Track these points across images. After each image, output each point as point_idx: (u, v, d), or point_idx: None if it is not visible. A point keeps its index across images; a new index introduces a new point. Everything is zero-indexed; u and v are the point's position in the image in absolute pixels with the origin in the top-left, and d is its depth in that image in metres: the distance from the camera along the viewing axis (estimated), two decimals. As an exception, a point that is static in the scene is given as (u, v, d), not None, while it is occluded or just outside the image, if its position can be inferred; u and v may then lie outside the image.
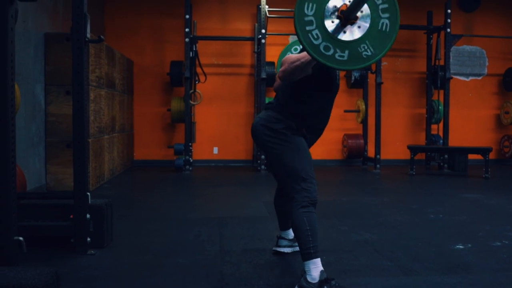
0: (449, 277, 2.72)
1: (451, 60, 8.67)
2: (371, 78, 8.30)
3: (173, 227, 3.94)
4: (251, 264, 2.93)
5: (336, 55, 2.12)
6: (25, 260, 2.96)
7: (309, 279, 2.38)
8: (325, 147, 8.73)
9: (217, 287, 2.55)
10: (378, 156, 7.78)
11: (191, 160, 7.76)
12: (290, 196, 2.55)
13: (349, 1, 2.13)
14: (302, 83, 2.53)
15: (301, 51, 2.50)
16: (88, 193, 3.12)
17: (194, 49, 7.77)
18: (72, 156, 3.10)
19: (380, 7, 2.17)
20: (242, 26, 8.58)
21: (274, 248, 3.15)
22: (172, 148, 7.98)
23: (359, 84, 8.36)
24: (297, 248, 3.11)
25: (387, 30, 2.16)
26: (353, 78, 8.25)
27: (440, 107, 8.19)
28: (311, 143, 2.71)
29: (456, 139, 8.61)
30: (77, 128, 3.08)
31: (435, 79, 8.20)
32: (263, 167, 7.58)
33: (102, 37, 3.12)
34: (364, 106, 8.34)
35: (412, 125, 8.96)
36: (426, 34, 8.36)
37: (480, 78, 9.09)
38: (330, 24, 2.13)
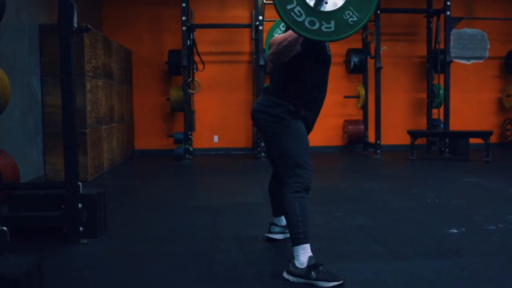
0: (440, 261, 2.70)
1: (452, 43, 8.57)
2: (371, 63, 8.23)
3: (169, 216, 3.94)
4: (242, 251, 2.93)
5: (323, 28, 2.10)
6: (17, 250, 2.99)
7: (297, 264, 2.37)
8: (326, 133, 8.70)
9: (205, 274, 2.55)
10: (378, 142, 7.74)
11: (191, 149, 7.76)
12: (282, 181, 2.53)
13: None
14: (294, 61, 2.49)
15: (286, 30, 2.46)
16: (80, 183, 3.12)
17: (191, 37, 7.73)
18: (63, 146, 3.10)
19: None
20: (240, 13, 8.52)
21: (266, 235, 3.14)
22: (172, 137, 7.98)
23: (359, 70, 8.29)
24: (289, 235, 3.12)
25: None
26: (352, 63, 8.18)
27: (440, 91, 8.12)
28: (312, 120, 2.66)
29: (457, 123, 8.54)
30: (66, 119, 3.08)
31: (436, 63, 8.12)
32: (262, 154, 7.56)
33: (89, 26, 3.10)
34: (364, 92, 8.28)
35: (413, 109, 8.90)
36: (426, 17, 8.27)
37: (481, 61, 9.00)
38: None
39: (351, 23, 2.11)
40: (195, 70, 8.08)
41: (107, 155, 6.56)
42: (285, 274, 2.42)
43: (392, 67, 8.72)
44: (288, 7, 2.08)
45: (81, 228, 3.12)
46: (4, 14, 3.26)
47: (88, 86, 5.66)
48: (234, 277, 2.51)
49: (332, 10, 2.10)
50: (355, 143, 8.52)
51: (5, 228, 1.99)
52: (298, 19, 2.08)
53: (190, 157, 7.60)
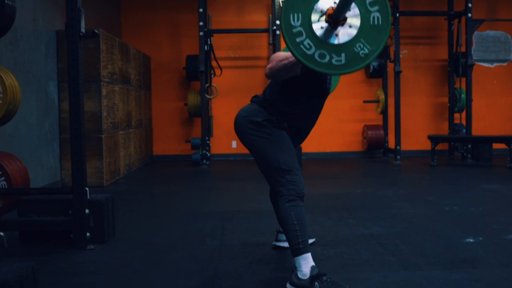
0: (452, 272, 2.60)
1: (474, 46, 8.38)
2: (390, 67, 8.10)
3: (179, 221, 3.91)
4: (248, 258, 2.87)
5: (333, 61, 2.02)
6: (23, 254, 3.00)
7: (300, 275, 2.30)
8: (345, 139, 8.59)
9: (208, 282, 2.51)
10: (398, 147, 7.59)
11: (209, 155, 7.74)
12: (275, 191, 2.46)
13: (335, 3, 2.03)
14: (291, 84, 2.44)
15: None
16: (87, 188, 3.12)
17: (209, 42, 7.73)
18: (70, 152, 3.10)
19: (368, 1, 2.06)
20: (258, 18, 8.50)
21: (273, 243, 3.08)
22: (190, 142, 7.98)
23: (378, 74, 8.17)
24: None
25: (380, 23, 2.04)
26: (371, 67, 8.06)
27: (462, 95, 7.93)
28: (294, 145, 2.60)
29: (481, 128, 8.33)
30: (74, 124, 3.07)
31: (457, 67, 7.94)
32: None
33: (96, 31, 3.09)
34: (383, 96, 8.15)
35: (435, 114, 8.71)
36: (447, 20, 8.10)
37: (505, 64, 8.76)
38: (320, 30, 2.03)
39: (363, 55, 2.03)
40: (212, 75, 8.08)
41: (124, 160, 6.59)
42: (288, 286, 2.34)
43: (413, 71, 8.56)
44: (298, 40, 2.01)
45: (88, 234, 3.11)
46: (15, 21, 3.30)
47: (104, 92, 5.69)
48: (237, 285, 2.46)
49: (343, 43, 2.03)
50: (375, 148, 8.39)
51: (1, 234, 1.97)
52: (308, 52, 2.01)
53: (208, 162, 7.57)
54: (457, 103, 8.07)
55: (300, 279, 2.29)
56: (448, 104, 8.32)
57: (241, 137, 2.57)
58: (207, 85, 7.82)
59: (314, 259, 2.66)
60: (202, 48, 7.38)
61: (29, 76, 4.82)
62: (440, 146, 7.82)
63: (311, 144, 8.45)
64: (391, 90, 8.09)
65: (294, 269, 2.34)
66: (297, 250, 2.31)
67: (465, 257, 2.84)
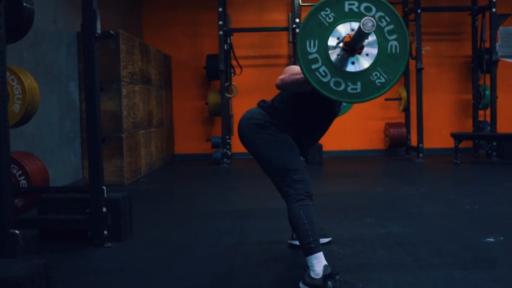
0: (470, 272, 2.54)
1: (498, 41, 8.19)
2: (413, 64, 7.96)
3: (197, 220, 3.93)
4: (263, 257, 2.87)
5: (349, 89, 2.01)
6: (42, 252, 3.06)
7: (312, 274, 2.28)
8: (367, 137, 8.51)
9: (223, 280, 2.51)
10: (420, 145, 7.47)
11: (229, 153, 7.75)
12: (283, 191, 2.44)
13: (352, 30, 2.01)
14: (301, 99, 2.42)
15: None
16: (104, 187, 3.15)
17: (228, 41, 7.74)
18: (87, 151, 3.14)
19: (386, 29, 2.02)
20: (277, 17, 8.47)
21: (289, 241, 3.07)
22: (210, 141, 8.01)
23: (400, 71, 8.05)
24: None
25: (398, 52, 2.01)
26: (393, 65, 7.95)
27: (487, 92, 7.77)
28: (298, 140, 2.55)
29: (506, 125, 8.13)
30: (90, 124, 3.12)
31: (481, 63, 7.77)
32: (302, 158, 7.47)
33: (112, 32, 3.13)
34: (405, 94, 8.04)
35: (459, 111, 8.56)
36: (471, 15, 7.93)
37: (532, 59, 8.55)
38: (336, 58, 2.01)
39: (379, 84, 2.01)
40: (232, 74, 8.09)
41: (145, 159, 6.65)
42: (301, 285, 2.33)
43: (436, 67, 8.42)
44: (313, 66, 2.00)
45: (105, 232, 3.15)
46: (36, 23, 3.36)
47: (124, 92, 5.75)
48: (251, 284, 2.45)
49: (359, 71, 2.00)
50: (397, 146, 8.28)
51: (17, 231, 2.01)
52: (323, 80, 2.00)
53: (228, 161, 7.59)
54: (482, 100, 7.91)
55: (313, 279, 2.27)
56: (472, 101, 8.15)
57: (244, 140, 2.55)
58: (227, 84, 7.84)
59: (330, 258, 2.66)
60: (222, 47, 7.40)
61: (50, 77, 4.90)
62: (465, 144, 7.66)
63: (332, 142, 8.39)
64: (413, 88, 7.97)
65: (306, 268, 2.33)
66: (309, 249, 2.29)
67: (485, 257, 2.78)
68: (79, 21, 5.65)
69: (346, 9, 2.03)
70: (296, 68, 2.28)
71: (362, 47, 2.02)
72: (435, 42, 8.42)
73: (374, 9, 2.02)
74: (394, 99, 8.22)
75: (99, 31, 3.08)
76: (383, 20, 2.01)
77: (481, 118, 8.11)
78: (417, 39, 7.41)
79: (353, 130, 8.46)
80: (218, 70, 7.61)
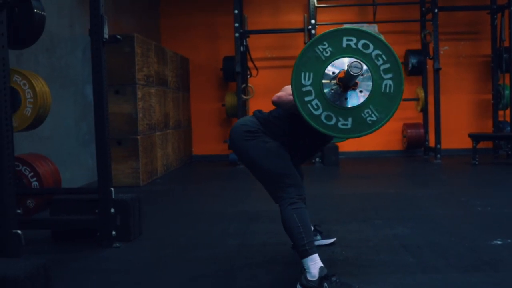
0: (472, 275, 2.52)
1: (519, 40, 8.03)
2: (430, 64, 7.88)
3: (206, 221, 3.97)
4: (266, 258, 2.89)
5: (339, 124, 2.03)
6: (51, 251, 3.14)
7: (309, 277, 2.29)
8: (384, 138, 8.44)
9: (222, 281, 2.54)
10: (438, 146, 7.39)
11: (245, 154, 7.77)
12: (276, 197, 2.46)
13: (348, 65, 2.00)
14: (297, 121, 2.39)
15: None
16: (112, 189, 3.22)
17: (244, 43, 7.79)
18: (96, 153, 3.22)
19: (382, 67, 2.03)
20: (294, 18, 8.48)
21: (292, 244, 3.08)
22: (227, 143, 8.06)
23: (418, 71, 7.99)
24: (317, 242, 3.03)
25: (392, 91, 2.03)
26: (410, 65, 7.89)
27: (506, 92, 7.63)
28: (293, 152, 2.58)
29: (527, 126, 7.98)
30: (98, 126, 3.19)
31: (501, 62, 7.64)
32: (317, 159, 7.49)
33: (119, 36, 3.20)
34: (423, 94, 7.95)
35: (478, 112, 8.43)
36: (490, 14, 7.80)
37: (555, 58, 8.34)
38: (330, 92, 2.03)
39: (370, 122, 2.03)
40: (249, 76, 8.13)
41: (161, 160, 6.74)
42: (298, 287, 2.35)
43: (454, 67, 8.31)
44: (306, 99, 2.03)
45: (113, 232, 3.21)
46: (51, 28, 3.46)
47: (139, 94, 5.85)
48: (250, 284, 2.48)
49: (351, 107, 2.02)
50: (415, 147, 8.20)
51: (19, 232, 2.09)
52: (315, 113, 2.03)
53: (244, 162, 7.61)
54: (501, 100, 7.77)
55: (309, 281, 2.28)
56: (492, 101, 8.02)
57: (235, 147, 2.55)
58: (244, 85, 7.88)
59: (331, 260, 2.67)
60: (238, 49, 7.45)
61: (66, 80, 5.02)
62: (485, 145, 7.55)
63: (349, 143, 8.32)
64: (431, 88, 7.88)
65: (303, 270, 2.34)
66: (304, 252, 2.31)
67: (488, 259, 2.75)
68: (95, 25, 5.78)
69: (344, 45, 2.05)
70: (288, 90, 2.30)
71: (356, 84, 2.03)
72: (453, 41, 8.31)
73: (372, 46, 2.03)
74: (412, 100, 8.14)
75: (106, 36, 3.15)
76: (379, 58, 2.03)
77: (501, 118, 7.97)
78: (435, 39, 7.33)
79: (370, 131, 8.40)
80: (234, 72, 7.66)
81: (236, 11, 7.36)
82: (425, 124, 8.10)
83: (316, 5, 7.53)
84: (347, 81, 2.01)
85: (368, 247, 3.05)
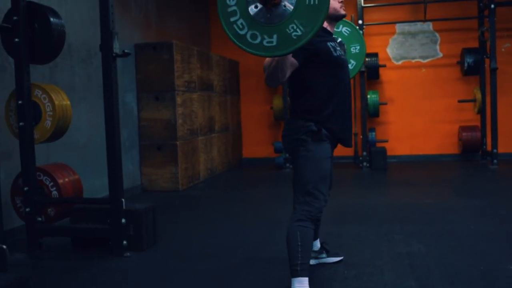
0: (473, 304, 2.34)
1: None
2: (489, 63, 7.40)
3: (227, 230, 3.98)
4: (271, 274, 2.85)
5: (264, 42, 1.99)
6: (65, 258, 3.28)
7: (292, 298, 2.25)
8: (439, 141, 8.04)
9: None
10: (495, 150, 6.92)
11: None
12: (294, 206, 2.45)
13: None
14: (297, 76, 2.38)
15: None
16: (123, 199, 3.30)
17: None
18: (107, 164, 3.31)
19: None
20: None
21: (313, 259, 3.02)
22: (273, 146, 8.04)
23: (475, 71, 7.53)
24: (323, 260, 2.97)
25: (316, 2, 1.93)
26: (466, 64, 7.46)
27: None
28: (341, 132, 2.50)
29: None
30: (109, 137, 3.28)
31: None
32: (365, 164, 7.29)
33: (127, 51, 3.27)
34: (480, 95, 7.48)
35: (543, 114, 7.81)
36: (556, 8, 7.21)
37: None
38: (254, 10, 1.99)
39: (295, 37, 1.95)
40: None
41: (205, 164, 6.82)
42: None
43: (516, 66, 7.75)
44: (232, 19, 2.02)
45: (125, 242, 3.30)
46: (88, 39, 3.59)
47: (179, 100, 5.95)
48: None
49: (276, 23, 1.96)
50: (471, 151, 7.74)
51: (4, 246, 2.19)
52: (240, 32, 2.01)
53: (291, 166, 7.56)
54: None
55: (291, 302, 2.24)
56: (559, 102, 7.40)
57: (289, 155, 2.59)
58: (290, 88, 7.80)
59: (331, 279, 2.59)
60: (283, 52, 7.38)
61: (105, 89, 5.21)
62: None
63: (403, 147, 8.07)
64: (489, 88, 7.40)
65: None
66: (295, 271, 2.29)
67: (501, 286, 2.54)
68: (137, 32, 5.96)
69: None
70: (267, 60, 2.27)
71: None
72: (515, 38, 7.76)
73: None
74: (469, 101, 7.69)
75: (116, 50, 3.24)
76: None
77: None
78: (491, 37, 6.88)
79: (425, 134, 8.06)
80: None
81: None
82: (483, 127, 7.62)
83: (362, 5, 7.30)
84: None
85: (374, 267, 2.92)
